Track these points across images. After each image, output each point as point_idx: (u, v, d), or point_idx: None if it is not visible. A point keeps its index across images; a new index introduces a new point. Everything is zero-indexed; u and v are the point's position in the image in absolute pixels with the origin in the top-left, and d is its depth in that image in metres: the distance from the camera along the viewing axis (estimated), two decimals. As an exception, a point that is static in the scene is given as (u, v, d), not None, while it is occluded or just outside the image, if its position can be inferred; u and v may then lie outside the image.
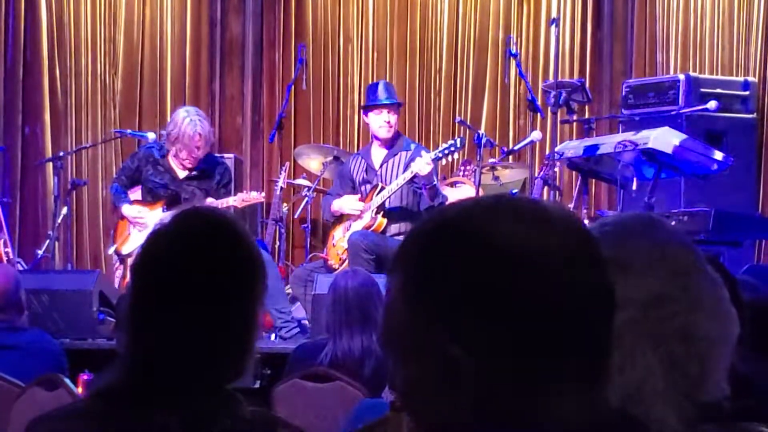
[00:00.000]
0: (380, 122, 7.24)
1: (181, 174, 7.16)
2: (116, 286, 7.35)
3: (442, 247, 1.11)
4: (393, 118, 7.27)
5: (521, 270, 1.08)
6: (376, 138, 7.33)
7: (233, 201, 7.10)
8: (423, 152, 7.05)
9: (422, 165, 6.88)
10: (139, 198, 7.32)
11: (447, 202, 7.18)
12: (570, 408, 1.09)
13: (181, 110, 7.22)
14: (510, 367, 1.08)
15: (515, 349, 1.07)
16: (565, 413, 1.09)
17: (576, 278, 1.10)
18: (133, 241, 7.19)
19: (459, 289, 1.08)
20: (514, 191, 7.85)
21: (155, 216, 6.98)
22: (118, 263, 7.49)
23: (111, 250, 7.54)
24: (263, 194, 7.46)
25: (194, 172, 7.15)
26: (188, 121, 6.96)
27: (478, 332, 1.07)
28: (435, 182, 6.99)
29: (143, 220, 7.11)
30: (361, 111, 7.84)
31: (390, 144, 7.30)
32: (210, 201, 6.96)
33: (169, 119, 7.34)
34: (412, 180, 7.02)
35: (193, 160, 7.06)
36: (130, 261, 7.27)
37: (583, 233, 1.14)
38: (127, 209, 7.22)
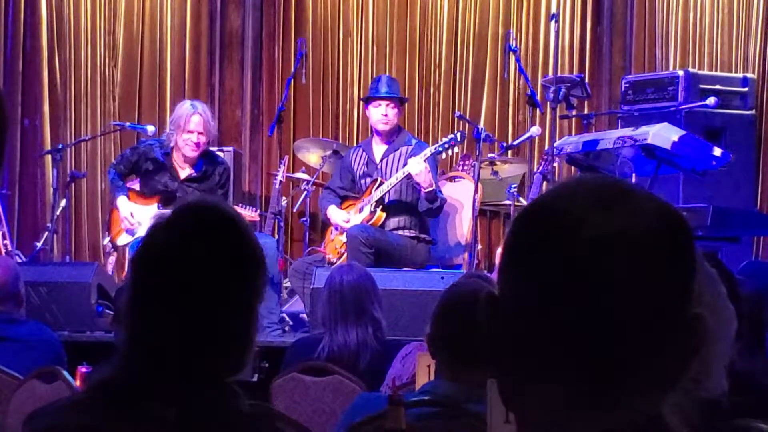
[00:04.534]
0: (378, 115, 7.22)
1: (183, 174, 7.15)
2: (109, 273, 7.36)
3: (523, 223, 1.14)
4: (392, 112, 7.23)
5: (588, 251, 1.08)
6: (376, 132, 7.33)
7: None
8: (419, 151, 7.01)
9: (414, 165, 6.86)
10: (137, 188, 7.31)
11: (445, 205, 7.17)
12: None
13: (184, 101, 7.38)
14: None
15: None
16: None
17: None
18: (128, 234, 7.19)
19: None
20: (512, 186, 7.85)
21: (148, 214, 6.95)
22: (112, 250, 7.50)
23: (106, 240, 7.54)
24: (257, 212, 7.62)
25: (195, 174, 7.14)
26: (189, 105, 7.14)
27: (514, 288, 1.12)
28: (432, 187, 6.95)
29: (133, 226, 7.08)
30: (362, 103, 7.84)
31: (390, 138, 7.29)
32: None
33: (168, 112, 7.37)
34: (410, 176, 7.00)
35: (194, 146, 7.03)
36: (127, 254, 7.28)
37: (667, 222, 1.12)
38: (121, 204, 7.17)
